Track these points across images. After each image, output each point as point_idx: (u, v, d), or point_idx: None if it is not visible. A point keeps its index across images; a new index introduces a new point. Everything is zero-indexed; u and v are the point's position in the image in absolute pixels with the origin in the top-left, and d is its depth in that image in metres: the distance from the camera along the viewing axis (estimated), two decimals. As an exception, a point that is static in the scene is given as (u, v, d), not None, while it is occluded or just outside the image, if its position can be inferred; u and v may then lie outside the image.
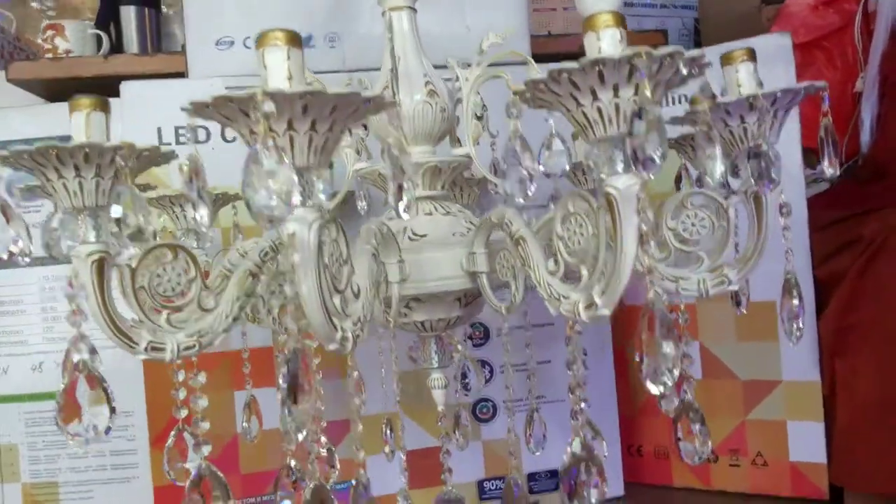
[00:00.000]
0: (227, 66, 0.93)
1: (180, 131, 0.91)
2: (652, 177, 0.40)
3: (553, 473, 1.05)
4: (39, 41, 1.13)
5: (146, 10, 1.16)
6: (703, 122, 0.44)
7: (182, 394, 0.61)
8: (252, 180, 0.37)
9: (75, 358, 0.49)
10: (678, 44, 0.93)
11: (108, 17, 1.14)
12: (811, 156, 1.19)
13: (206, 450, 0.57)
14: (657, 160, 0.40)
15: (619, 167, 0.44)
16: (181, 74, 0.95)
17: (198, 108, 0.39)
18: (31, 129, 0.94)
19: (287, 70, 0.40)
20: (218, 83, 0.91)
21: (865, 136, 1.12)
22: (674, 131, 0.67)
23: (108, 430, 0.50)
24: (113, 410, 0.51)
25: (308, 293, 0.42)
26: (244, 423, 0.80)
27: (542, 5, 1.40)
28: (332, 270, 0.46)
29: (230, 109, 0.39)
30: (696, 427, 0.61)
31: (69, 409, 0.49)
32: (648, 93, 0.39)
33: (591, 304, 0.47)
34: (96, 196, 0.48)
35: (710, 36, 1.42)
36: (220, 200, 0.78)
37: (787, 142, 0.97)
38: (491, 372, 1.03)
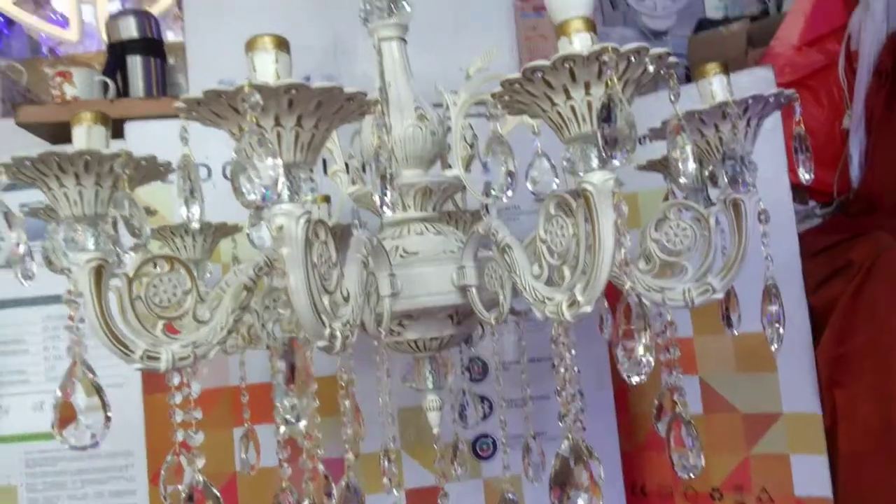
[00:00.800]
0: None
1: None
2: (623, 163, 0.41)
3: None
4: (49, 91, 1.18)
5: (152, 59, 1.21)
6: (674, 119, 0.45)
7: (179, 416, 0.62)
8: (240, 170, 0.39)
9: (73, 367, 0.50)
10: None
11: (115, 67, 1.18)
12: (801, 192, 1.21)
13: (200, 463, 0.57)
14: (627, 148, 0.42)
15: (594, 163, 0.45)
16: (185, 117, 0.98)
17: (190, 105, 0.42)
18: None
19: (275, 72, 0.43)
20: (220, 124, 0.94)
21: (855, 171, 1.14)
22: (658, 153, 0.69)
23: (104, 434, 0.51)
24: (108, 419, 0.51)
25: (296, 285, 0.43)
26: (242, 455, 0.80)
27: (534, 56, 1.45)
28: (321, 271, 0.48)
29: (220, 106, 0.41)
30: (689, 439, 0.61)
31: (65, 413, 0.50)
32: (616, 84, 0.41)
33: (573, 303, 0.48)
34: (95, 205, 0.50)
35: (701, 81, 1.46)
36: (219, 232, 0.79)
37: (775, 178, 0.99)
38: (490, 407, 1.02)
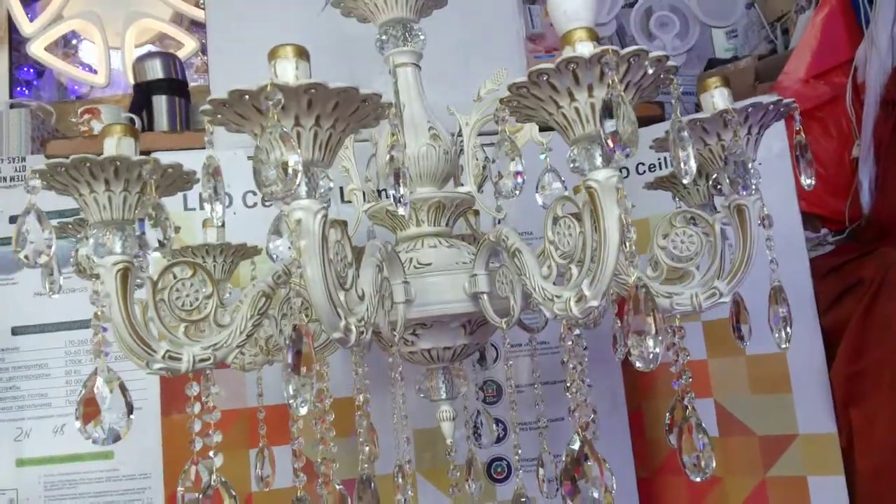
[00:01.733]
0: (248, 138, 1.00)
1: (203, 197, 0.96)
2: (627, 157, 0.43)
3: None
4: (77, 131, 1.22)
5: (176, 98, 1.26)
6: (675, 121, 0.48)
7: (197, 425, 0.64)
8: (261, 163, 0.41)
9: (97, 362, 0.52)
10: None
11: (140, 105, 1.23)
12: (814, 220, 1.22)
13: (219, 461, 0.58)
14: (629, 145, 0.44)
15: (598, 162, 0.48)
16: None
17: (216, 106, 0.44)
18: (65, 201, 1.01)
19: (295, 77, 0.45)
20: (241, 153, 0.98)
21: (865, 198, 1.16)
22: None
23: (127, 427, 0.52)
24: (131, 410, 0.53)
25: (312, 276, 0.45)
26: (257, 470, 0.81)
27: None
28: (338, 268, 0.50)
29: (243, 106, 0.44)
30: (700, 441, 0.61)
31: (89, 409, 0.51)
32: (617, 84, 0.43)
33: (581, 298, 0.50)
34: (123, 210, 0.53)
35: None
36: (239, 253, 0.82)
37: (786, 205, 1.01)
38: (505, 430, 1.03)
